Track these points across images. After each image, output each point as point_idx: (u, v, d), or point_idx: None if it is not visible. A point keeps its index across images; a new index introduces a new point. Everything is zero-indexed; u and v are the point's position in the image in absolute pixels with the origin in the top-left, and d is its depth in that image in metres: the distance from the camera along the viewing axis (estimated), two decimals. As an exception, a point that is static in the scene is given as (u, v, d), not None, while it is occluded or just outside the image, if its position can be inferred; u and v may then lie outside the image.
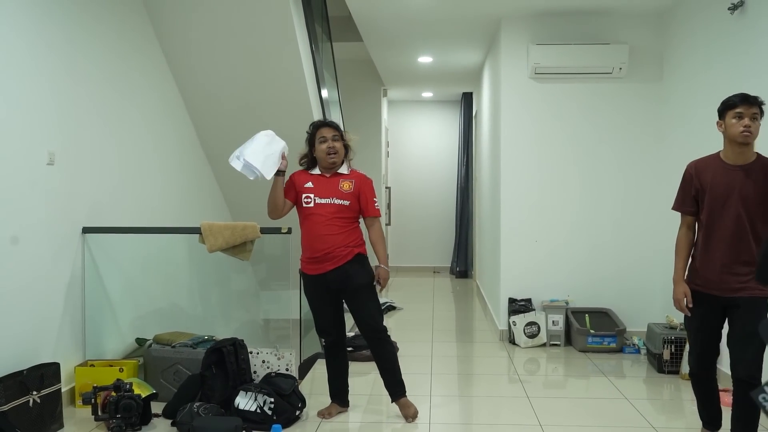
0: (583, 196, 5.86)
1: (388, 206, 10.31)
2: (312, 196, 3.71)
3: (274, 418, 3.64)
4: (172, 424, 3.65)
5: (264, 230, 4.22)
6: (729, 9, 4.39)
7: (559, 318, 5.68)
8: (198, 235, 4.24)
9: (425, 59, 7.87)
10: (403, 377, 3.88)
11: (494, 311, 6.50)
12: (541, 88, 5.85)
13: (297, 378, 4.09)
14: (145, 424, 3.67)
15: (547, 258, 5.89)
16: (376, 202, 3.85)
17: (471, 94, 10.17)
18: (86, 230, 4.21)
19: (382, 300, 7.05)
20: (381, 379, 3.90)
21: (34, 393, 3.45)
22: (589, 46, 5.63)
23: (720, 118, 3.13)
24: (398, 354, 4.06)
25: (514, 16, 5.86)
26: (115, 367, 4.02)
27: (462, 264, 10.38)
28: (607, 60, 5.62)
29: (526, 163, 5.90)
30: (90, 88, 4.27)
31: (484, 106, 7.92)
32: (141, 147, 4.94)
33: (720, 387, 4.18)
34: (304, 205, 3.72)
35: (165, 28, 5.16)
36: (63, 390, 3.77)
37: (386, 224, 9.90)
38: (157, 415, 3.80)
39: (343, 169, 3.82)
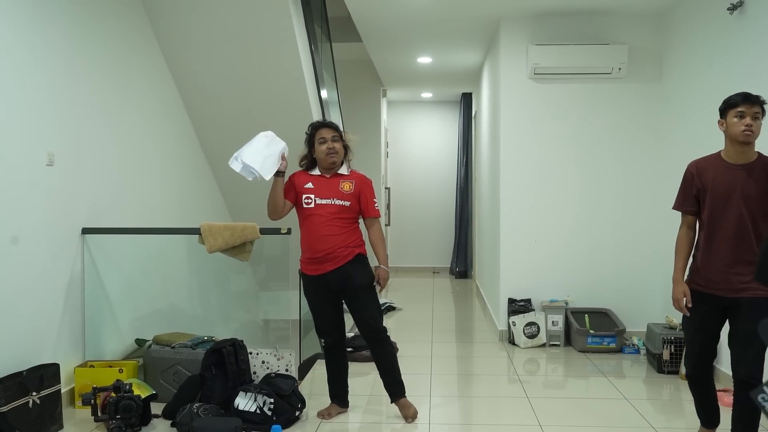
0: (582, 197, 5.86)
1: (388, 207, 10.31)
2: (312, 196, 3.71)
3: (274, 418, 3.64)
4: (172, 425, 3.65)
5: (263, 231, 4.22)
6: (728, 9, 4.39)
7: (559, 318, 5.69)
8: (197, 235, 4.24)
9: (424, 60, 7.88)
10: (402, 378, 3.88)
11: (494, 311, 6.50)
12: (541, 89, 5.85)
13: (297, 378, 4.08)
14: (144, 425, 3.66)
15: (547, 258, 5.89)
16: (376, 203, 3.86)
17: (470, 94, 10.17)
18: (86, 231, 4.21)
19: (381, 300, 7.05)
20: (381, 380, 3.90)
21: (34, 394, 3.45)
22: (588, 47, 5.63)
23: (721, 117, 3.11)
24: (398, 354, 4.06)
25: (513, 16, 5.87)
26: (115, 367, 4.02)
27: (461, 264, 10.38)
28: (607, 60, 5.62)
29: (525, 164, 5.91)
30: (89, 89, 4.27)
31: (483, 106, 7.92)
32: (140, 148, 4.94)
33: (720, 387, 4.20)
34: (305, 205, 3.72)
35: (164, 28, 5.16)
36: (63, 391, 3.77)
37: (386, 225, 9.89)
38: (156, 416, 3.80)
39: (343, 170, 3.82)
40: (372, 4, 5.72)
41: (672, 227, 3.44)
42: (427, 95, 10.64)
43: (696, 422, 3.44)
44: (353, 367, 4.18)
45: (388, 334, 3.85)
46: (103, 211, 4.39)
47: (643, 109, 5.77)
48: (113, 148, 4.56)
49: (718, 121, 3.14)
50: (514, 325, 5.70)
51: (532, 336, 5.66)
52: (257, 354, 4.11)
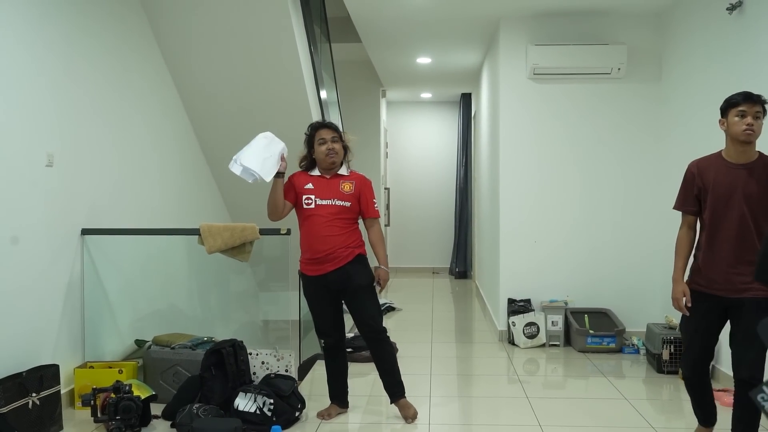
0: (582, 197, 5.87)
1: (387, 207, 10.31)
2: (313, 197, 3.71)
3: (274, 419, 3.64)
4: (172, 426, 3.65)
5: (263, 231, 4.22)
6: (727, 9, 4.39)
7: (559, 318, 5.69)
8: (197, 236, 4.24)
9: (424, 60, 7.88)
10: (402, 378, 3.88)
11: (493, 312, 6.50)
12: (540, 89, 5.85)
13: (296, 379, 4.08)
14: (144, 426, 3.66)
15: (547, 258, 5.89)
16: (375, 204, 3.87)
17: (470, 94, 10.17)
18: (85, 232, 4.21)
19: (381, 301, 7.05)
20: (380, 380, 3.90)
21: (34, 395, 3.45)
22: (587, 47, 5.63)
23: (722, 117, 3.10)
24: (398, 355, 4.06)
25: (512, 16, 5.87)
26: (115, 368, 4.02)
27: (461, 265, 10.38)
28: (606, 60, 5.62)
29: (525, 164, 5.91)
30: (89, 90, 4.27)
31: (483, 106, 7.92)
32: (140, 148, 4.94)
33: (720, 387, 4.21)
34: (305, 206, 3.72)
35: (164, 29, 5.16)
36: (62, 392, 3.77)
37: (385, 225, 9.89)
38: (156, 417, 3.80)
39: (343, 171, 3.82)
40: (371, 4, 5.72)
41: (671, 227, 3.44)
42: (426, 95, 10.65)
43: (695, 422, 3.44)
44: (353, 368, 4.18)
45: (387, 334, 3.85)
46: (102, 212, 4.39)
47: (642, 109, 5.77)
48: (113, 148, 4.56)
49: (719, 121, 3.12)
50: (514, 326, 5.70)
51: (531, 336, 5.66)
52: (257, 354, 4.11)
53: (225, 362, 3.86)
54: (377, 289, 3.82)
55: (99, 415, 3.58)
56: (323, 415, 3.87)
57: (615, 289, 5.80)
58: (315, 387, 4.47)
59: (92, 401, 3.58)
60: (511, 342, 5.75)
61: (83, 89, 4.20)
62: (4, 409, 3.24)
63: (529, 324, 5.66)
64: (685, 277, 3.24)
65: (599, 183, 5.84)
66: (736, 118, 3.01)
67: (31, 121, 3.70)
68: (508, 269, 5.97)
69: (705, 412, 3.33)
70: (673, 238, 3.29)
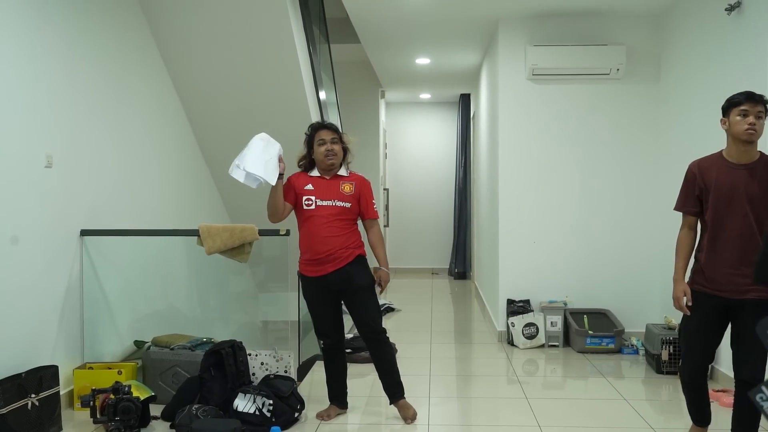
0: (581, 197, 5.87)
1: (387, 208, 10.31)
2: (313, 198, 3.71)
3: (273, 420, 3.64)
4: (171, 427, 3.65)
5: (262, 232, 4.22)
6: (726, 10, 4.39)
7: (558, 319, 5.69)
8: (196, 237, 4.24)
9: (423, 61, 7.88)
10: (401, 379, 3.88)
11: (493, 312, 6.50)
12: (539, 90, 5.86)
13: (296, 380, 4.08)
14: (143, 427, 3.66)
15: (546, 259, 5.89)
16: (375, 204, 3.87)
17: (469, 95, 10.17)
18: (84, 233, 4.21)
19: (381, 302, 7.05)
20: (380, 381, 3.90)
21: (33, 396, 3.45)
22: (586, 47, 5.64)
23: (724, 116, 3.08)
24: (397, 356, 4.06)
25: (511, 17, 5.87)
26: (114, 369, 4.01)
27: (460, 265, 10.38)
28: (605, 61, 5.63)
29: (524, 164, 5.91)
30: (88, 91, 4.27)
31: (482, 107, 7.93)
32: (139, 149, 4.94)
33: (719, 387, 4.21)
34: (305, 207, 3.72)
35: (163, 30, 5.16)
36: (61, 393, 3.77)
37: (384, 226, 9.89)
38: (155, 418, 3.80)
39: (343, 171, 3.82)
40: (370, 5, 5.72)
41: (671, 227, 3.44)
42: (425, 96, 10.65)
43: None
44: (352, 369, 4.18)
45: (387, 335, 3.85)
46: (101, 213, 4.39)
47: (641, 109, 5.77)
48: (112, 149, 4.56)
49: (721, 120, 3.11)
50: (513, 326, 5.70)
51: (530, 337, 5.66)
52: (256, 355, 4.11)
53: (224, 363, 3.85)
54: (378, 290, 3.82)
55: (98, 416, 3.58)
56: (322, 416, 3.87)
57: (614, 290, 5.80)
58: (314, 388, 4.46)
59: (91, 402, 3.57)
60: (511, 342, 5.76)
61: (82, 90, 4.20)
62: (4, 410, 3.23)
63: (528, 324, 5.66)
64: (686, 278, 3.24)
65: (598, 183, 5.85)
66: (738, 118, 3.00)
67: (30, 123, 3.70)
68: (508, 270, 5.98)
69: (701, 413, 3.33)
70: (673, 239, 3.28)
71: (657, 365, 4.88)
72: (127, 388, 3.58)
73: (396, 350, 4.83)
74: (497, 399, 4.41)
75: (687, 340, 3.26)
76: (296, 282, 3.99)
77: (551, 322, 5.69)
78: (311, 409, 3.97)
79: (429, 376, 4.83)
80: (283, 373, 4.05)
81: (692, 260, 3.23)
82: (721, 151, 3.15)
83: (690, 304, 3.15)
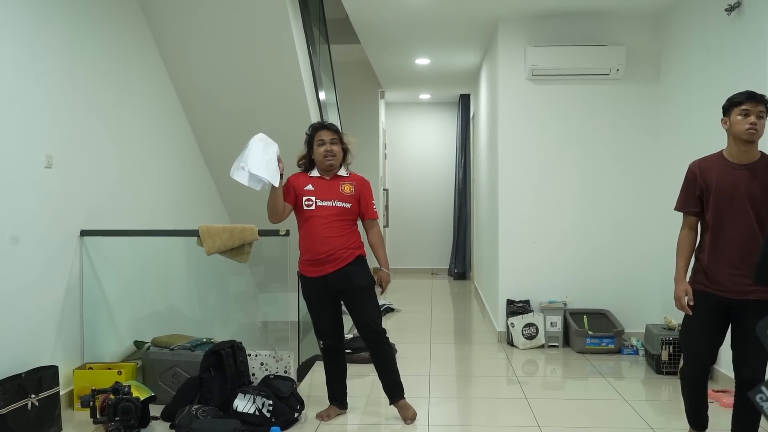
0: (580, 198, 5.87)
1: (386, 208, 10.30)
2: (313, 198, 3.71)
3: (273, 420, 3.64)
4: (171, 427, 3.65)
5: (262, 232, 4.22)
6: (726, 10, 4.39)
7: (557, 319, 5.69)
8: (196, 237, 4.24)
9: (422, 61, 7.88)
10: (401, 379, 3.88)
11: (492, 313, 6.50)
12: (539, 90, 5.86)
13: (295, 380, 4.08)
14: (143, 427, 3.66)
15: (545, 259, 5.89)
16: (374, 205, 3.87)
17: (468, 95, 10.17)
18: (84, 233, 4.20)
19: (380, 302, 7.05)
20: (379, 381, 3.90)
21: (33, 396, 3.45)
22: (586, 48, 5.64)
23: (724, 116, 3.07)
24: (397, 356, 4.06)
25: (511, 17, 5.87)
26: (114, 369, 4.01)
27: (460, 266, 10.38)
28: (605, 61, 5.63)
29: (523, 165, 5.91)
30: (88, 91, 4.27)
31: (481, 107, 7.93)
32: (139, 150, 4.94)
33: (719, 388, 4.21)
34: (305, 207, 3.72)
35: (162, 30, 5.15)
36: (61, 393, 3.77)
37: (384, 226, 9.89)
38: (155, 418, 3.80)
39: (342, 172, 3.82)
40: (370, 5, 5.72)
41: (671, 227, 3.44)
42: (425, 97, 10.65)
43: (694, 422, 3.44)
44: (352, 369, 4.18)
45: (387, 335, 3.85)
46: (101, 214, 4.39)
47: (641, 109, 5.78)
48: (111, 150, 4.56)
49: (722, 120, 3.09)
50: (513, 326, 5.70)
51: (530, 337, 5.66)
52: (256, 356, 4.11)
53: (224, 363, 3.85)
54: (379, 291, 3.82)
55: (98, 416, 3.58)
56: (322, 416, 3.87)
57: (614, 290, 5.80)
58: (314, 388, 4.46)
59: (91, 402, 3.57)
60: (510, 343, 5.75)
61: (82, 91, 4.20)
62: (4, 411, 3.23)
63: (528, 325, 5.66)
64: (688, 278, 3.22)
65: (598, 184, 5.85)
66: (739, 117, 2.98)
67: (29, 123, 3.70)
68: (507, 270, 5.98)
69: (700, 416, 3.29)
70: (672, 239, 3.27)
71: (657, 366, 4.87)
72: (126, 389, 3.58)
73: (396, 350, 4.83)
74: (497, 399, 4.41)
75: (690, 341, 3.23)
76: (296, 282, 3.99)
77: (551, 323, 5.69)
78: (311, 409, 3.97)
79: (429, 376, 4.83)
80: (282, 374, 4.05)
81: (693, 260, 3.23)
82: (722, 151, 3.13)
83: (692, 303, 3.13)
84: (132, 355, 4.52)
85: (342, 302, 3.85)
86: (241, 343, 4.03)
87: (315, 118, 5.80)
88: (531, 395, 4.34)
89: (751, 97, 2.98)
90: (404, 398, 3.88)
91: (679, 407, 4.13)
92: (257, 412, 3.65)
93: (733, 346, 3.10)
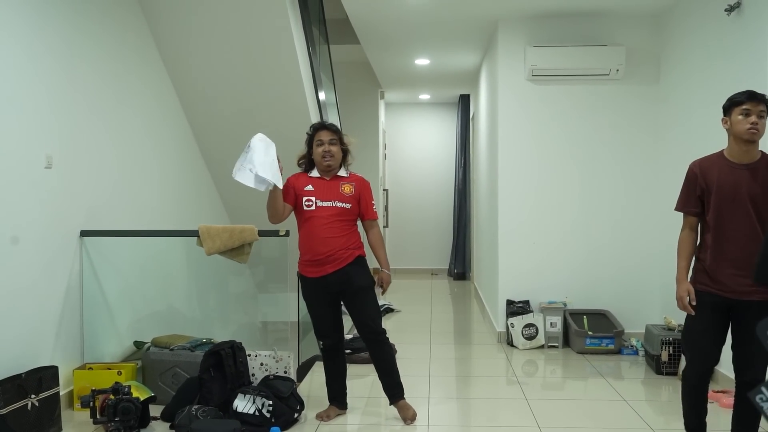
0: (580, 198, 5.87)
1: (386, 208, 10.31)
2: (313, 198, 3.71)
3: (273, 420, 3.64)
4: (171, 427, 3.65)
5: (262, 233, 4.22)
6: (725, 10, 4.40)
7: (557, 320, 5.69)
8: (196, 238, 4.24)
9: (422, 61, 7.88)
10: (401, 379, 3.88)
11: (492, 313, 6.50)
12: (539, 90, 5.86)
13: (295, 380, 4.08)
14: (143, 427, 3.66)
15: (545, 259, 5.89)
16: (374, 205, 3.87)
17: (468, 96, 10.17)
18: (84, 233, 4.20)
19: (380, 302, 7.04)
20: (379, 382, 3.90)
21: (33, 396, 3.44)
22: (586, 48, 5.64)
23: (725, 115, 3.06)
24: (396, 356, 4.06)
25: (511, 18, 5.87)
26: (114, 370, 4.01)
27: (460, 266, 10.39)
28: (604, 62, 5.63)
29: (523, 165, 5.91)
30: (88, 92, 4.27)
31: (481, 108, 7.93)
32: (139, 150, 4.94)
33: (719, 388, 4.20)
34: (305, 207, 3.71)
35: (162, 30, 5.15)
36: (61, 393, 3.77)
37: (384, 226, 9.89)
38: (155, 418, 3.80)
39: (342, 172, 3.82)
40: (370, 6, 5.72)
41: (671, 228, 3.43)
42: (425, 97, 10.65)
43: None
44: (352, 369, 4.18)
45: (387, 335, 3.85)
46: (101, 214, 4.38)
47: (640, 110, 5.78)
48: (111, 150, 4.56)
49: (722, 119, 3.08)
50: (513, 327, 5.70)
51: (530, 337, 5.66)
52: (256, 356, 4.11)
53: (224, 364, 3.85)
54: (379, 291, 3.82)
55: (98, 416, 3.58)
56: (322, 417, 3.87)
57: (614, 291, 5.80)
58: (314, 388, 4.46)
59: (91, 403, 3.57)
60: (510, 343, 5.75)
61: (82, 91, 4.20)
62: (3, 411, 3.23)
63: (528, 325, 5.66)
64: (689, 278, 3.21)
65: (598, 184, 5.85)
66: (740, 117, 2.97)
67: (29, 123, 3.70)
68: (507, 270, 5.97)
69: (699, 420, 3.25)
70: (673, 239, 3.27)
71: (657, 366, 4.87)
72: (126, 389, 3.58)
73: (396, 351, 4.83)
74: (497, 400, 4.41)
75: (694, 342, 3.19)
76: (296, 283, 3.99)
77: (551, 323, 5.69)
78: (311, 409, 3.97)
79: (428, 376, 4.83)
80: (282, 374, 4.05)
81: (694, 260, 3.22)
82: (722, 150, 3.12)
83: (694, 303, 3.12)
84: (132, 356, 4.52)
85: (342, 302, 3.85)
86: (240, 343, 4.03)
87: (315, 119, 5.80)
88: (531, 396, 4.34)
89: (751, 96, 2.97)
90: (404, 398, 3.87)
91: (679, 408, 4.11)
92: (257, 413, 3.65)
93: (733, 346, 3.09)
